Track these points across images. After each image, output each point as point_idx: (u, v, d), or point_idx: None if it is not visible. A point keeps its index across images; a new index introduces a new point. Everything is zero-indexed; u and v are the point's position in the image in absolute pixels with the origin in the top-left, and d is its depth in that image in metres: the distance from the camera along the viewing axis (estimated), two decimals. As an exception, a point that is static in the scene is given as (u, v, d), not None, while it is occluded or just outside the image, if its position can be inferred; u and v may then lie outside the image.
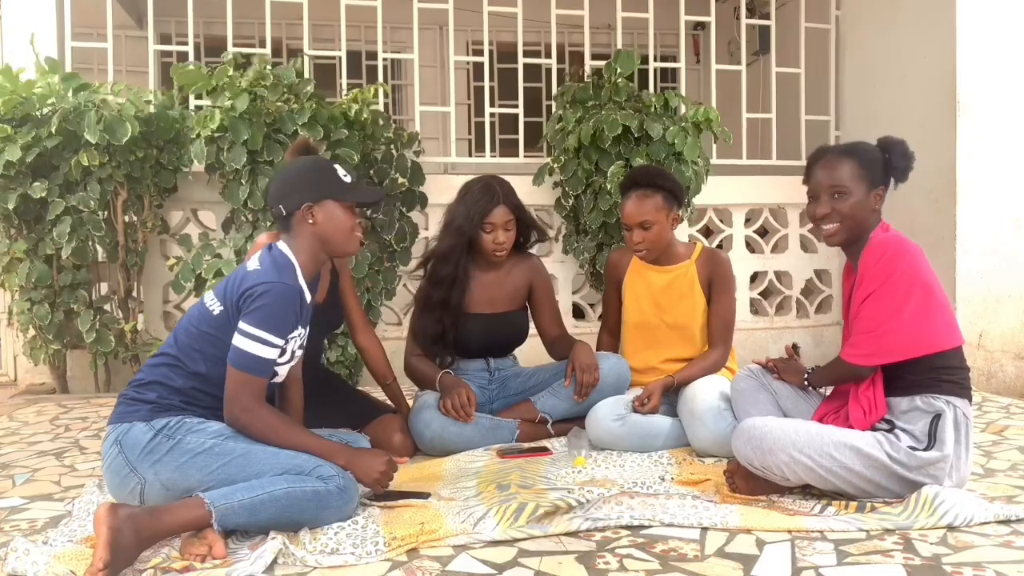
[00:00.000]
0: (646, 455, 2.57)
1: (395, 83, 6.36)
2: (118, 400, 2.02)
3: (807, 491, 2.15)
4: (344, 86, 4.35)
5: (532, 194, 4.28)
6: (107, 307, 3.91)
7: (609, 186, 3.85)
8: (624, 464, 2.48)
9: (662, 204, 2.72)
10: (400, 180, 3.96)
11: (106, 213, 3.76)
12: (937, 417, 2.04)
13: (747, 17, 4.99)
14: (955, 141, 3.97)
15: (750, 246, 4.66)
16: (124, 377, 3.86)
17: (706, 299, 2.82)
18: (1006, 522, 1.93)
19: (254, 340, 1.93)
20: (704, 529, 1.92)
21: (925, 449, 2.03)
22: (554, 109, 4.32)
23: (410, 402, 2.81)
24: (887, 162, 2.15)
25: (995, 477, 2.35)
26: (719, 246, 4.58)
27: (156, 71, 4.47)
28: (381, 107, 4.19)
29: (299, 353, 2.13)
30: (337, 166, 2.14)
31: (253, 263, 2.04)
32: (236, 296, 1.97)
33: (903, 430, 2.06)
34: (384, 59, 4.54)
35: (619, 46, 4.47)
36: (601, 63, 4.35)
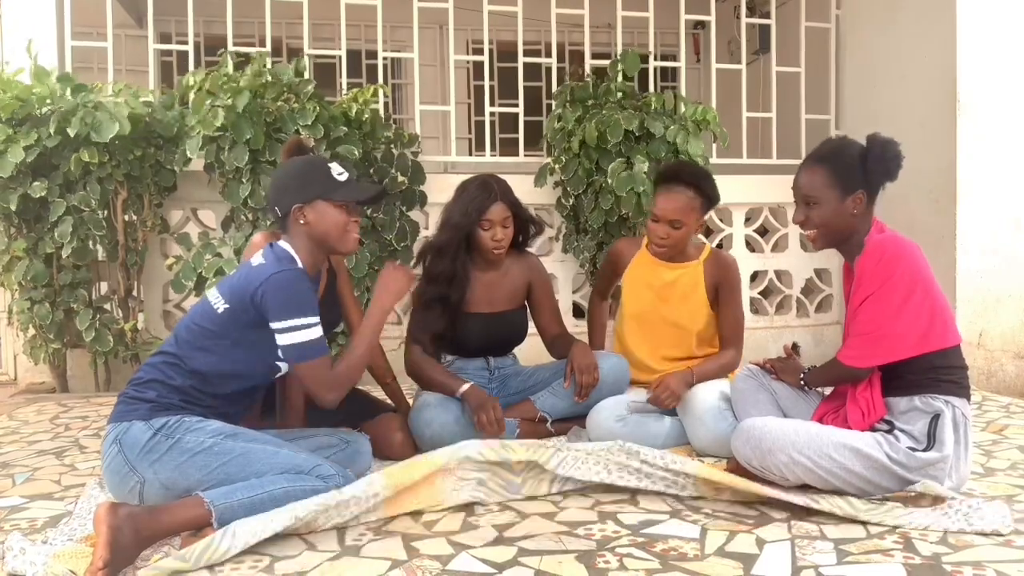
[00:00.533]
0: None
1: (395, 82, 6.36)
2: (118, 399, 2.02)
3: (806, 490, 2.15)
4: (344, 85, 4.34)
5: (532, 194, 4.28)
6: (107, 306, 3.91)
7: (612, 183, 3.85)
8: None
9: (698, 207, 2.70)
10: (400, 179, 3.96)
11: (106, 212, 3.76)
12: (936, 417, 2.04)
13: (747, 16, 4.99)
14: (955, 141, 3.97)
15: (750, 245, 4.66)
16: (124, 376, 3.86)
17: (710, 302, 2.81)
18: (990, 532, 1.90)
19: (293, 331, 1.97)
20: (704, 528, 1.92)
21: (924, 450, 2.03)
22: (554, 108, 4.32)
23: (410, 400, 2.81)
24: (865, 166, 2.11)
25: (995, 476, 2.35)
26: (719, 245, 4.58)
27: (156, 70, 4.46)
28: (381, 107, 4.19)
29: None
30: (333, 164, 2.14)
31: (257, 259, 2.06)
32: (248, 295, 1.98)
33: (902, 430, 2.06)
34: (384, 58, 4.53)
35: (619, 45, 4.47)
36: (601, 62, 4.35)
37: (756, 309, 4.67)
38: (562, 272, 4.41)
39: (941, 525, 1.89)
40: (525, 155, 4.56)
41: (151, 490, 1.91)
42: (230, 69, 3.74)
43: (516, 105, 4.53)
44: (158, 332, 4.03)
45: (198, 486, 1.87)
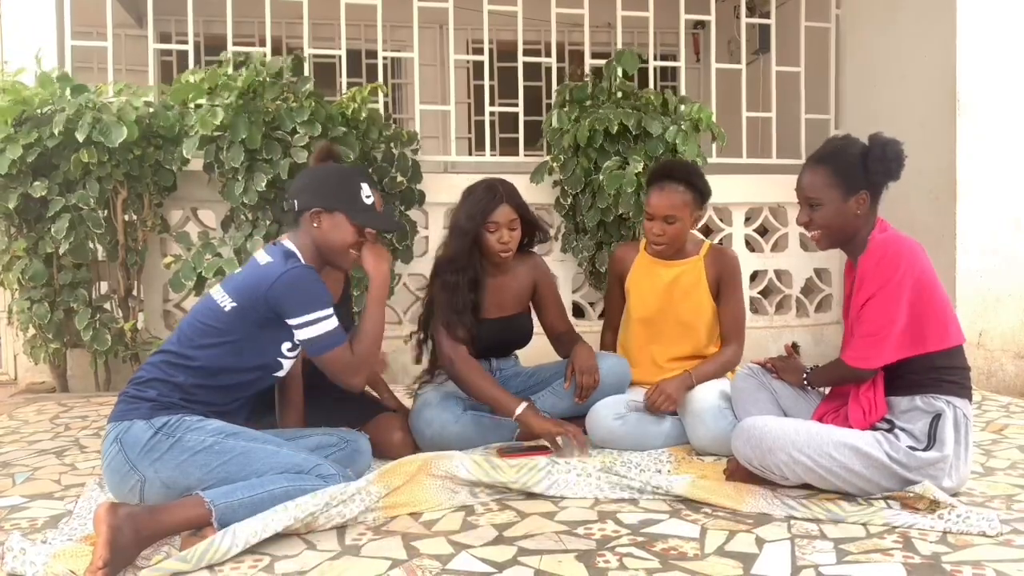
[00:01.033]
0: (646, 454, 2.57)
1: (395, 82, 6.36)
2: (119, 398, 2.02)
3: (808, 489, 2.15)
4: (344, 85, 4.34)
5: (531, 193, 4.28)
6: (107, 306, 3.91)
7: (604, 182, 3.85)
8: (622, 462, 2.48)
9: (690, 202, 2.72)
10: (399, 179, 3.97)
11: (106, 212, 3.76)
12: (937, 417, 2.04)
13: (747, 16, 4.99)
14: (955, 141, 3.97)
15: (750, 245, 4.66)
16: (124, 376, 3.86)
17: (713, 297, 2.82)
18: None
19: (311, 324, 2.01)
20: (704, 528, 1.92)
21: (925, 449, 2.03)
22: (552, 107, 4.32)
23: (409, 402, 2.82)
24: (867, 166, 2.11)
25: (995, 476, 2.35)
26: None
27: (156, 70, 4.46)
28: (380, 106, 4.19)
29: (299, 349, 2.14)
30: (364, 184, 2.18)
31: (264, 258, 2.08)
32: (260, 294, 2.00)
33: (903, 430, 2.06)
34: (384, 58, 4.54)
35: (619, 45, 4.47)
36: (601, 62, 4.35)
37: (756, 309, 4.67)
38: (562, 272, 4.41)
39: (927, 525, 1.89)
40: (525, 155, 4.56)
41: (151, 489, 1.91)
42: (231, 69, 3.73)
43: (516, 105, 4.54)
44: (158, 332, 4.03)
45: (198, 485, 1.87)
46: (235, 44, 4.17)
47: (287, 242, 2.14)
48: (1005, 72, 4.02)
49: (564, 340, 2.87)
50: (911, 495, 1.98)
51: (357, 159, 3.75)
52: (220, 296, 2.05)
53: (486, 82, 4.75)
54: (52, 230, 3.62)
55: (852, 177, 2.12)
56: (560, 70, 4.63)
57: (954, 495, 2.06)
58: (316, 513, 1.86)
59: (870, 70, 4.61)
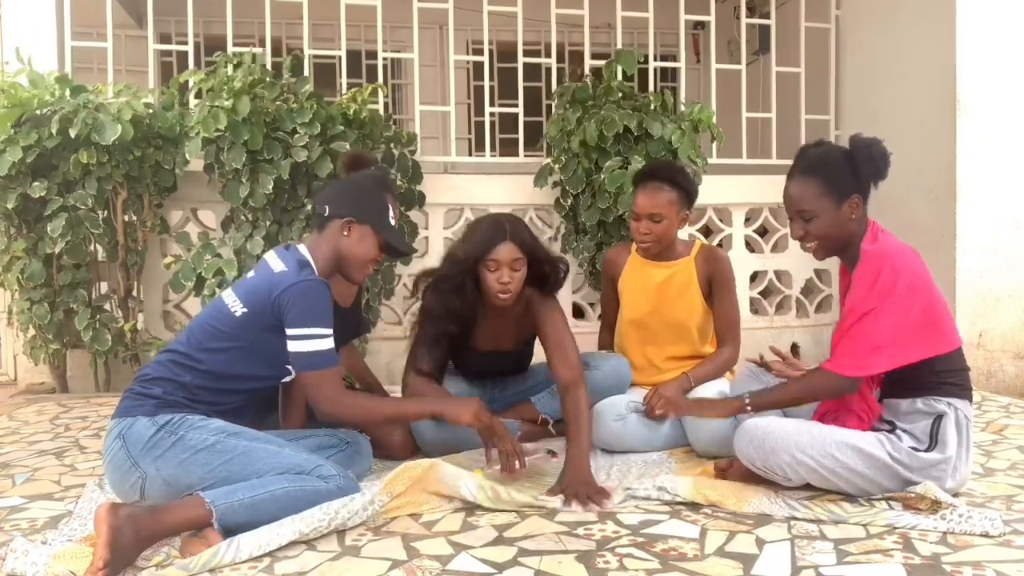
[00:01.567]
0: (646, 455, 2.57)
1: (395, 82, 6.36)
2: (123, 394, 2.03)
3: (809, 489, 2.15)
4: (344, 85, 4.35)
5: (532, 194, 4.29)
6: (106, 306, 3.90)
7: (606, 182, 3.85)
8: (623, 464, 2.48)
9: (675, 200, 2.73)
10: (399, 180, 3.96)
11: (106, 212, 3.76)
12: (939, 418, 2.04)
13: (747, 16, 4.98)
14: (955, 141, 3.97)
15: (750, 245, 4.66)
16: (124, 376, 3.86)
17: (704, 297, 2.82)
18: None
19: (306, 339, 2.00)
20: (704, 528, 1.92)
21: (926, 450, 2.03)
22: (554, 109, 4.32)
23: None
24: (855, 170, 2.07)
25: (995, 476, 2.35)
26: (719, 245, 4.58)
27: (156, 70, 4.46)
28: (380, 107, 4.19)
29: None
30: (391, 206, 2.21)
31: (278, 265, 2.08)
32: (269, 300, 2.01)
33: (904, 430, 2.06)
34: (384, 58, 4.53)
35: (619, 45, 4.47)
36: (601, 63, 4.35)
37: (756, 309, 4.67)
38: (562, 272, 4.41)
39: (929, 525, 1.89)
40: (525, 155, 4.56)
41: (152, 486, 1.91)
42: (230, 71, 3.74)
43: (516, 105, 4.53)
44: (158, 332, 4.03)
45: (199, 483, 1.87)
46: (235, 44, 4.17)
47: (302, 249, 2.15)
48: (1005, 72, 4.02)
49: (567, 398, 2.38)
50: (912, 495, 1.98)
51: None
52: (231, 300, 2.06)
53: (486, 83, 4.75)
54: (48, 229, 3.61)
55: (842, 183, 2.07)
56: (560, 71, 4.63)
57: (954, 495, 2.06)
58: (321, 528, 1.86)
59: (870, 70, 4.61)
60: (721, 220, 4.61)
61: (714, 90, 4.64)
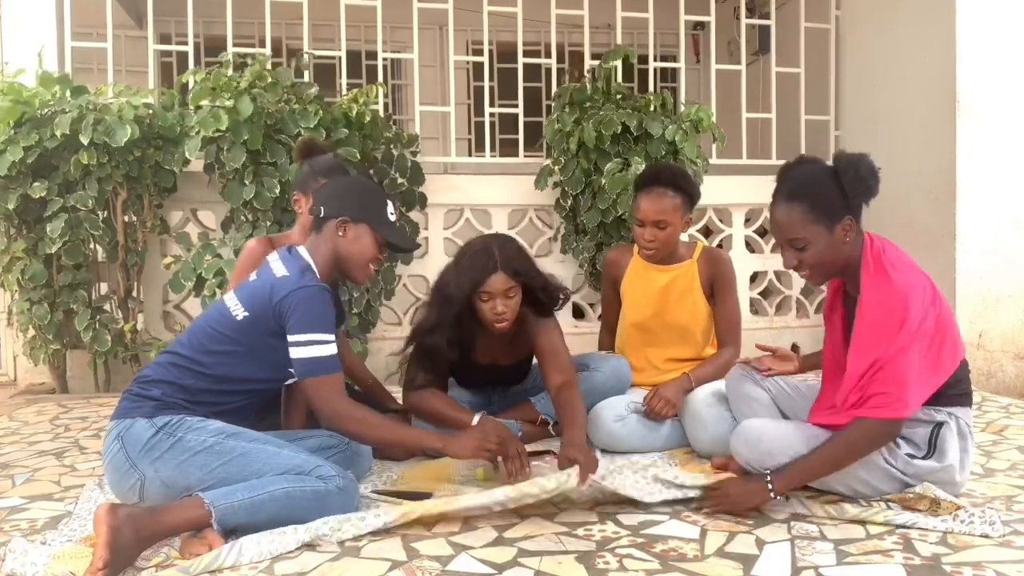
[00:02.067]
0: (646, 456, 2.57)
1: (395, 83, 6.36)
2: (123, 395, 2.03)
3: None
4: (344, 86, 4.35)
5: (532, 195, 4.29)
6: (106, 307, 3.91)
7: (606, 184, 3.85)
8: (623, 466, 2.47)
9: (680, 205, 2.71)
10: (400, 180, 3.97)
11: (106, 213, 3.76)
12: (938, 426, 2.02)
13: (747, 17, 4.99)
14: (955, 141, 3.97)
15: (750, 246, 4.66)
16: (124, 377, 3.86)
17: (707, 299, 2.82)
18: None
19: (309, 345, 1.99)
20: (704, 529, 1.92)
21: (924, 457, 2.01)
22: (553, 110, 4.32)
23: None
24: (844, 190, 1.94)
25: (995, 477, 2.35)
26: (719, 246, 4.58)
27: (156, 71, 4.47)
28: (381, 107, 4.19)
29: None
30: (389, 202, 2.20)
31: (280, 269, 2.07)
32: (271, 305, 2.00)
33: (902, 437, 2.04)
34: (384, 59, 4.54)
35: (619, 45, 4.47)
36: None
37: (756, 310, 4.67)
38: (561, 272, 4.39)
39: (930, 524, 1.89)
40: (525, 156, 4.56)
41: (151, 488, 1.91)
42: (231, 71, 3.74)
43: (516, 106, 4.54)
44: (158, 333, 4.03)
45: (198, 485, 1.87)
46: (235, 45, 4.18)
47: (303, 251, 2.14)
48: (1005, 72, 4.02)
49: (556, 392, 2.43)
50: (911, 496, 1.98)
51: (359, 161, 3.76)
52: (233, 304, 2.06)
53: (486, 83, 4.75)
54: (49, 230, 3.61)
55: (832, 206, 1.94)
56: (560, 71, 4.63)
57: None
58: (325, 539, 1.85)
59: (870, 70, 4.61)
60: (721, 220, 4.61)
61: (714, 90, 4.64)
